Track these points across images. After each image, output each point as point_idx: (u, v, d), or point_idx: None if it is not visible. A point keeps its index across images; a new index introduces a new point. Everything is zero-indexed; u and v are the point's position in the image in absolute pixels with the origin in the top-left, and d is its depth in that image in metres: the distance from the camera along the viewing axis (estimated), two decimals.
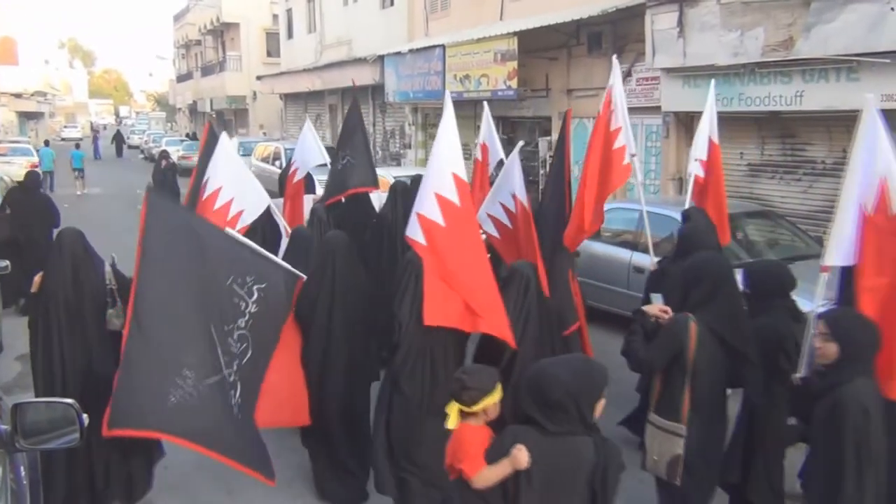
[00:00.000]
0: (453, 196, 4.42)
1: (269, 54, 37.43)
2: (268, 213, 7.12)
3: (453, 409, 3.16)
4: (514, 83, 14.50)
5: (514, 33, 14.16)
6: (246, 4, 37.62)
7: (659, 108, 12.02)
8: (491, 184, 6.89)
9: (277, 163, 19.43)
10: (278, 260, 5.03)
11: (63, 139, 43.02)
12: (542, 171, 15.51)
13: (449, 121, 4.61)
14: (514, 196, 5.66)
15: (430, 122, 20.32)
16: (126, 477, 5.01)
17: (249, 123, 38.12)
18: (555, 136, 15.08)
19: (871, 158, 4.08)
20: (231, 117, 42.66)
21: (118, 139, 46.07)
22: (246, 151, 21.70)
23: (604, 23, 13.08)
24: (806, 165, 10.45)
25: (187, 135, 43.48)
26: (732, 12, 10.08)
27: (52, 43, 61.09)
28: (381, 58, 20.76)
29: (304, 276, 4.96)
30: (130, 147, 46.92)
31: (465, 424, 3.15)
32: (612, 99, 5.88)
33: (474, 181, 7.81)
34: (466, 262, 4.44)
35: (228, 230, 5.06)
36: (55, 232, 5.48)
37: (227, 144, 7.05)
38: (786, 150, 10.73)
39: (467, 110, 18.26)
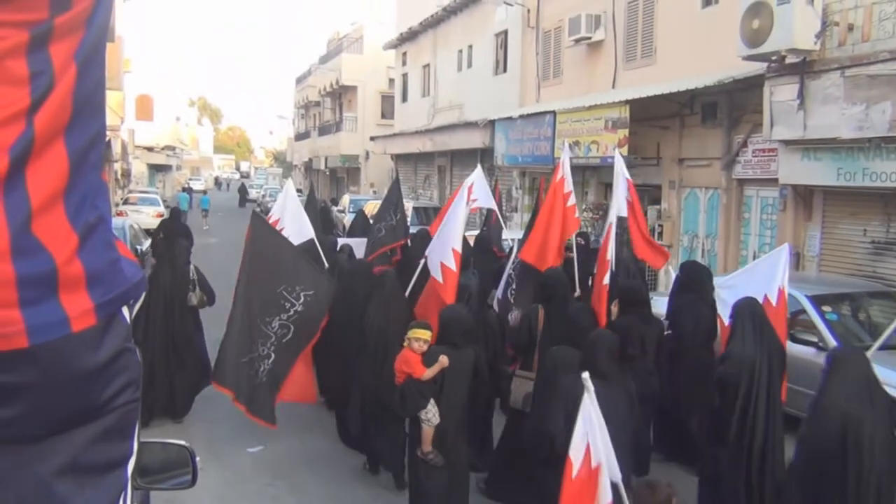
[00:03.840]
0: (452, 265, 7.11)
1: (383, 116, 38.72)
2: (312, 245, 8.86)
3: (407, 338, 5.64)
4: (624, 150, 14.38)
5: (627, 102, 14.12)
6: (364, 69, 39.24)
7: (775, 179, 11.65)
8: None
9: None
10: (325, 273, 7.40)
11: (186, 190, 45.74)
12: None
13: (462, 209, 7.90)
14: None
15: (537, 187, 20.34)
16: (168, 392, 7.53)
17: (361, 182, 39.33)
18: (664, 204, 14.84)
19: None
20: (343, 175, 44.16)
21: (242, 191, 49.31)
22: (356, 208, 22.35)
23: (719, 93, 12.89)
24: None
25: (298, 190, 45.26)
26: (858, 85, 9.75)
27: (184, 101, 65.21)
28: (491, 122, 21.12)
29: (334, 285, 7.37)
30: (249, 200, 49.33)
31: (408, 351, 5.51)
32: (562, 170, 8.15)
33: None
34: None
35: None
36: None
37: (290, 188, 9.88)
38: None
39: (575, 176, 18.20)
